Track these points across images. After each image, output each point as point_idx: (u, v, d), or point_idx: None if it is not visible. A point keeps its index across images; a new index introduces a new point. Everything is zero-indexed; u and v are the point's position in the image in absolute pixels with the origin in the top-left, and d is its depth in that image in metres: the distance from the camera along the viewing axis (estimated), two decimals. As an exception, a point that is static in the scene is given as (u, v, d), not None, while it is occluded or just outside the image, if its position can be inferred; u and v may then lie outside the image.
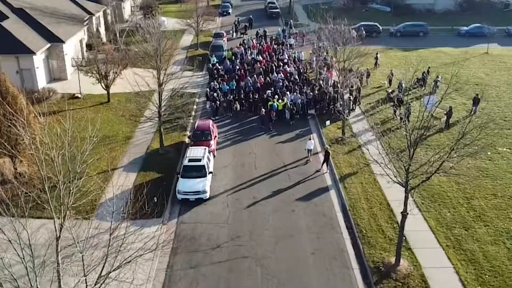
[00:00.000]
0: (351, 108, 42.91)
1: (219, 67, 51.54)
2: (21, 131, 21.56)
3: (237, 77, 48.85)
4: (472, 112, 41.79)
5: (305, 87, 46.62)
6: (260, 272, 24.89)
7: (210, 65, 53.75)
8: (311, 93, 44.36)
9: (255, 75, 49.13)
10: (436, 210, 29.71)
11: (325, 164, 34.59)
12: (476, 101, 42.31)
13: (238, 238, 27.61)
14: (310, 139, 36.23)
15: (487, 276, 24.34)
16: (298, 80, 48.63)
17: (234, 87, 45.08)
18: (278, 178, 33.74)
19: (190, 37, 69.47)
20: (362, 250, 26.48)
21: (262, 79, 47.76)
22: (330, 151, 33.52)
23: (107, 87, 45.87)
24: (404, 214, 24.20)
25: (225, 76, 49.17)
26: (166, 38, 38.93)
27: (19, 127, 21.73)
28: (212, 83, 47.70)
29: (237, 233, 27.97)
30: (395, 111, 41.57)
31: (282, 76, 48.20)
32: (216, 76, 48.87)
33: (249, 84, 46.30)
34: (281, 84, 45.92)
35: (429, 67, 49.87)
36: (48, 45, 48.73)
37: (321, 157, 35.47)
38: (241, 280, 24.49)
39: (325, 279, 24.32)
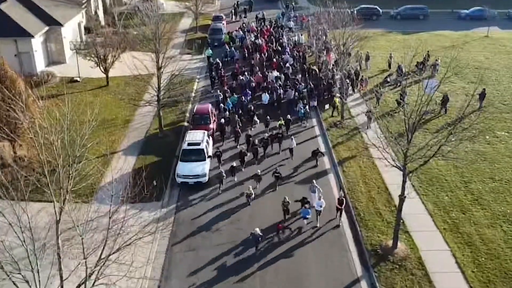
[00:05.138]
0: (349, 91, 42.81)
1: (218, 62, 48.66)
2: (20, 115, 21.60)
3: (234, 71, 46.79)
4: (480, 107, 40.50)
5: (302, 77, 46.30)
6: (259, 255, 25.11)
7: (207, 57, 51.42)
8: (312, 84, 43.60)
9: (251, 75, 46.14)
10: (434, 193, 29.88)
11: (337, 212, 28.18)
12: (482, 96, 40.64)
13: (237, 221, 27.80)
14: (320, 199, 27.55)
15: (483, 258, 24.59)
16: (295, 68, 48.24)
17: (236, 102, 40.90)
18: (278, 163, 33.85)
19: (189, 20, 69.00)
20: (360, 233, 26.69)
21: (260, 74, 45.52)
22: (343, 199, 27.62)
23: (105, 71, 45.74)
24: (402, 198, 24.35)
25: (224, 77, 46.20)
26: (164, 21, 38.79)
27: (18, 111, 21.76)
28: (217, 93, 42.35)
29: (237, 216, 28.13)
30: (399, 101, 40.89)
31: (278, 74, 45.90)
32: (216, 80, 46.02)
33: (246, 89, 42.99)
34: (276, 85, 43.10)
35: (428, 51, 49.67)
36: (47, 28, 48.45)
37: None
38: (240, 263, 24.73)
39: (323, 262, 24.55)
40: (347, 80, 41.61)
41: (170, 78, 36.68)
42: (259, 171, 30.63)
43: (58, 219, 16.23)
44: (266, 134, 35.32)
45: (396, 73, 46.57)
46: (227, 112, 38.50)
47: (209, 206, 29.22)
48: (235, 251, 25.54)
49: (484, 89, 40.84)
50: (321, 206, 27.09)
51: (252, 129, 37.93)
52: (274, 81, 44.11)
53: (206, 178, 31.34)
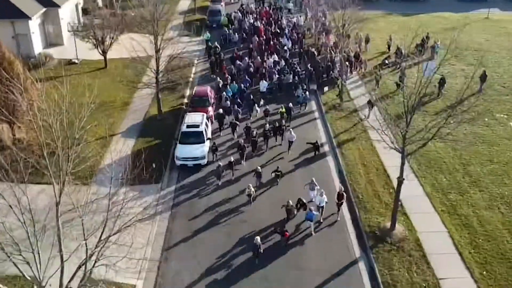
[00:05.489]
0: (348, 74, 42.71)
1: (217, 46, 47.87)
2: (18, 97, 21.51)
3: (233, 56, 46.00)
4: (480, 90, 40.31)
5: (301, 60, 45.93)
6: (257, 237, 25.23)
7: (206, 41, 50.75)
8: (310, 67, 43.29)
9: (250, 59, 45.61)
10: (432, 175, 29.99)
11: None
12: (483, 78, 40.38)
13: (236, 202, 27.91)
14: (321, 195, 26.45)
15: (480, 240, 24.77)
16: (294, 50, 47.84)
17: (236, 90, 39.46)
18: (277, 147, 33.80)
19: (187, 1, 68.45)
20: (358, 215, 26.84)
21: (259, 59, 44.76)
22: (343, 193, 26.82)
23: (104, 53, 45.48)
24: (400, 180, 24.44)
25: (223, 62, 45.44)
26: (163, 3, 38.42)
27: (16, 93, 21.66)
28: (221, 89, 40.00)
29: (236, 199, 28.23)
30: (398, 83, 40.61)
31: (276, 58, 45.36)
32: (216, 65, 45.26)
33: (245, 76, 42.12)
34: (274, 70, 42.60)
35: (428, 33, 49.38)
36: (44, 9, 48.04)
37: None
38: (239, 245, 24.92)
39: (322, 243, 24.73)
40: (346, 62, 41.50)
41: (169, 60, 36.51)
42: (259, 167, 29.25)
43: (58, 201, 16.27)
44: (267, 125, 33.99)
45: (394, 55, 46.39)
46: (228, 102, 37.35)
47: (208, 188, 29.32)
48: (234, 232, 25.70)
49: (485, 71, 40.70)
50: (322, 202, 26.15)
51: (252, 118, 37.11)
52: (272, 66, 43.40)
53: (205, 161, 31.39)
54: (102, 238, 16.22)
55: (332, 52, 44.93)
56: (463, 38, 50.15)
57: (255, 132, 33.09)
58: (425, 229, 25.50)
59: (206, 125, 33.56)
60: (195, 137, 31.92)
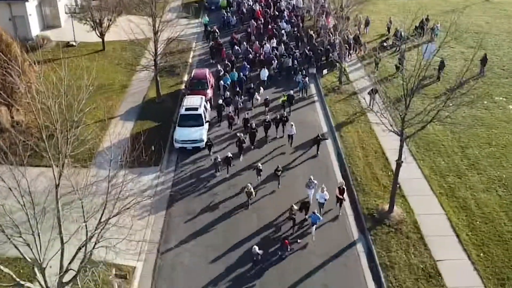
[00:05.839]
0: (347, 56, 42.53)
1: (216, 31, 47.18)
2: (16, 79, 21.44)
3: (232, 41, 45.36)
4: (480, 74, 40.31)
5: (301, 43, 45.74)
6: (256, 220, 25.41)
7: (204, 25, 50.07)
8: (308, 51, 42.82)
9: (248, 43, 44.85)
10: (431, 158, 30.06)
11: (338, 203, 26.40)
12: (484, 61, 40.24)
13: (234, 185, 28.00)
14: (322, 191, 25.38)
15: (478, 222, 24.94)
16: (293, 33, 47.51)
17: (236, 78, 38.30)
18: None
19: (185, -17, 67.71)
20: (356, 197, 26.97)
21: (258, 44, 43.85)
22: (344, 187, 25.83)
23: (101, 35, 45.14)
24: (399, 163, 24.51)
25: (222, 47, 44.49)
26: (161, -16, 38.06)
27: (14, 75, 21.59)
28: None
29: (235, 181, 28.29)
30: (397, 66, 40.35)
31: (275, 43, 44.60)
32: (215, 50, 44.27)
33: (244, 63, 40.75)
34: (272, 55, 41.84)
35: (427, 15, 49.05)
36: (41, -10, 47.64)
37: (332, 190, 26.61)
38: (237, 226, 25.08)
39: (320, 225, 24.83)
40: (345, 45, 41.29)
41: (167, 42, 36.30)
42: (259, 164, 27.98)
43: (57, 183, 16.31)
44: (268, 116, 33.17)
45: (393, 37, 46.15)
46: (228, 92, 36.03)
47: (208, 171, 29.37)
48: (233, 214, 25.85)
49: (486, 54, 40.53)
50: (324, 199, 25.21)
51: (252, 108, 36.19)
52: (271, 51, 42.57)
53: (204, 144, 31.40)
54: (102, 220, 16.29)
55: (331, 34, 44.65)
56: (463, 21, 49.79)
57: (254, 124, 31.76)
58: (423, 211, 25.65)
59: (205, 107, 33.51)
60: (194, 120, 31.89)
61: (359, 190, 27.47)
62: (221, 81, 37.81)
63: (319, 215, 24.19)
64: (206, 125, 32.31)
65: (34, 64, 23.02)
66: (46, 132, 16.88)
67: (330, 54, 42.56)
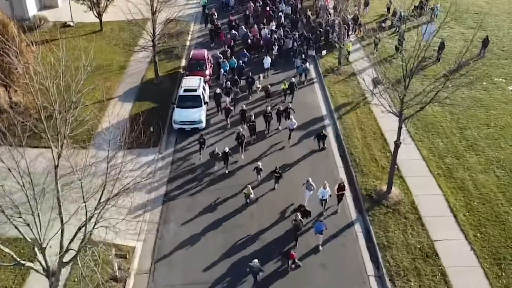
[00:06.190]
0: (346, 37, 42.27)
1: (214, 13, 46.77)
2: (14, 60, 21.32)
3: (231, 24, 44.44)
4: (481, 55, 40.14)
5: (300, 25, 45.30)
6: (255, 206, 25.44)
7: (202, 6, 49.36)
8: (307, 32, 42.43)
9: (247, 26, 44.32)
10: (429, 139, 30.11)
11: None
12: (485, 43, 40.00)
13: (234, 163, 28.03)
14: (324, 187, 24.27)
15: (475, 203, 25.09)
16: (292, 15, 47.00)
17: (235, 65, 37.15)
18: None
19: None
20: (355, 178, 27.07)
21: (256, 28, 43.12)
22: (345, 184, 25.08)
23: (99, 15, 44.76)
24: (397, 144, 24.55)
25: (221, 30, 43.73)
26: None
27: (12, 56, 21.45)
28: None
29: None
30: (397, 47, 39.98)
31: (274, 27, 43.92)
32: (214, 34, 43.57)
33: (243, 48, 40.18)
34: (272, 40, 41.07)
35: (428, -5, 48.69)
36: (37, -30, 47.09)
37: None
38: (236, 205, 25.25)
39: (318, 206, 24.95)
40: (344, 25, 41.03)
41: (165, 23, 36.02)
42: (259, 163, 26.60)
43: (56, 164, 16.34)
44: (269, 108, 31.57)
45: (392, 18, 45.85)
46: (228, 82, 34.59)
47: (206, 152, 29.42)
48: (231, 195, 25.97)
49: (487, 36, 40.28)
50: (326, 195, 24.26)
51: (250, 97, 34.96)
52: (269, 36, 41.82)
53: (203, 125, 31.39)
54: (101, 200, 16.36)
55: (330, 15, 44.32)
56: (463, 1, 49.41)
57: (253, 116, 30.33)
58: (421, 192, 25.78)
59: (204, 88, 33.41)
60: (193, 101, 31.82)
61: (357, 171, 27.56)
62: (221, 70, 36.96)
63: (324, 223, 22.58)
64: (204, 106, 32.25)
65: (32, 44, 22.84)
66: (44, 113, 16.87)
67: (330, 35, 42.34)
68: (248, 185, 25.21)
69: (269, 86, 34.73)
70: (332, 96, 35.23)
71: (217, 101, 33.24)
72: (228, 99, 33.59)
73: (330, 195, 24.35)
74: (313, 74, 38.64)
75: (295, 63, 38.47)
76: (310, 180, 24.69)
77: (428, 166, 27.77)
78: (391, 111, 24.09)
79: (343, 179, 25.63)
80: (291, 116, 30.29)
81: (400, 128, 24.36)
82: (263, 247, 22.75)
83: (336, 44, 39.54)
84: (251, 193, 25.07)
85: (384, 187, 25.71)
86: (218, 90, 33.49)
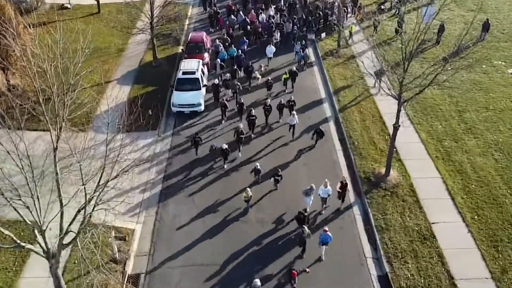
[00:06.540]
0: (345, 20, 42.01)
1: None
2: (11, 42, 21.18)
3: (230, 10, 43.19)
4: (481, 39, 39.79)
5: (296, 7, 44.91)
6: (253, 181, 25.66)
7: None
8: (309, 16, 41.88)
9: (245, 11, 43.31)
10: (428, 122, 30.12)
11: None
12: (486, 26, 39.62)
13: (232, 146, 28.05)
14: (326, 186, 23.52)
15: (473, 185, 25.19)
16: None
17: (234, 54, 35.89)
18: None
19: None
20: (353, 161, 27.12)
21: (254, 13, 42.17)
22: (347, 182, 24.22)
23: (96, -3, 44.47)
24: (396, 127, 24.56)
25: (220, 15, 42.92)
26: None
27: (9, 38, 21.31)
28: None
29: (233, 144, 28.32)
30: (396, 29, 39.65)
31: (273, 12, 43.24)
32: (213, 18, 42.74)
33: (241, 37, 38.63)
34: (270, 25, 40.28)
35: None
36: (33, -49, 46.45)
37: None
38: (234, 186, 25.36)
39: (316, 188, 25.01)
40: (344, 8, 40.75)
41: (163, 5, 35.73)
42: (258, 164, 25.38)
43: (55, 146, 16.34)
44: (269, 100, 30.23)
45: (391, 0, 45.53)
46: (228, 74, 33.22)
47: (205, 134, 29.41)
48: (231, 176, 26.08)
49: (488, 19, 40.01)
50: (326, 194, 23.50)
51: (249, 88, 33.64)
52: (267, 21, 41.01)
53: (202, 107, 31.33)
54: (101, 183, 16.40)
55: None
56: (464, -17, 49.04)
57: (253, 111, 28.98)
58: (419, 175, 25.87)
59: (202, 71, 33.28)
60: (191, 84, 31.72)
61: (356, 154, 27.60)
62: (218, 59, 35.27)
63: (330, 234, 21.06)
64: (203, 89, 32.14)
65: (29, 26, 22.68)
66: (43, 95, 16.81)
67: (329, 17, 42.06)
68: (247, 188, 23.97)
69: (270, 79, 33.02)
70: (331, 79, 35.11)
71: (215, 93, 32.12)
72: (228, 92, 32.55)
73: (330, 194, 23.52)
74: (312, 57, 38.45)
75: (294, 48, 37.90)
76: (313, 186, 23.34)
77: (427, 149, 27.82)
78: (390, 94, 24.05)
79: (345, 177, 24.85)
80: (293, 112, 28.87)
81: (399, 111, 24.35)
82: (262, 231, 22.91)
83: (336, 27, 39.29)
84: (250, 197, 23.79)
85: (383, 170, 25.78)
86: (216, 81, 32.46)
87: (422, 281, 20.33)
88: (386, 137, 28.49)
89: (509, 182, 25.29)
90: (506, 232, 22.48)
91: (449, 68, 23.50)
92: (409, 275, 20.57)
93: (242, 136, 27.46)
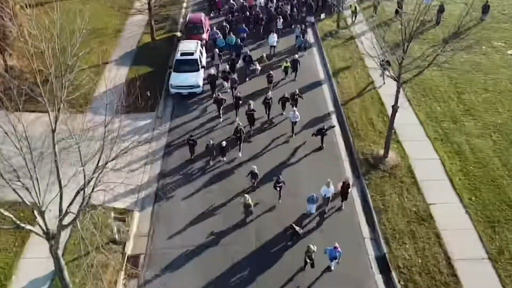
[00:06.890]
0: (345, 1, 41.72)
1: None
2: (8, 22, 21.01)
3: None
4: (481, 20, 39.31)
5: None
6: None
7: None
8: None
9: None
10: (427, 104, 30.08)
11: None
12: (485, 8, 39.24)
13: (230, 125, 28.00)
14: (328, 185, 22.55)
15: (471, 167, 25.26)
16: None
17: (233, 43, 34.61)
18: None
19: None
20: (352, 142, 27.14)
21: None
22: (349, 182, 23.13)
23: (93, -23, 43.90)
24: (395, 108, 24.53)
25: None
26: None
27: (6, 19, 21.13)
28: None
29: (231, 127, 28.30)
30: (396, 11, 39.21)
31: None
32: (212, 2, 41.49)
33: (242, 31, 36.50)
34: (269, 9, 39.40)
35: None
36: None
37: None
38: (233, 174, 25.38)
39: (315, 170, 25.12)
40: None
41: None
42: (255, 167, 23.99)
43: (54, 127, 16.30)
44: (270, 93, 29.05)
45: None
46: (227, 66, 31.87)
47: (204, 117, 29.38)
48: (231, 157, 26.10)
49: (487, 1, 39.67)
50: (329, 193, 22.62)
51: (247, 80, 32.44)
52: (264, 5, 40.41)
53: (200, 89, 31.23)
54: (99, 164, 16.40)
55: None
56: (465, -38, 48.56)
57: (252, 105, 27.84)
58: (418, 156, 25.92)
59: (201, 52, 33.10)
60: (190, 65, 31.58)
61: (354, 135, 27.62)
62: (216, 49, 33.98)
63: (340, 251, 19.77)
64: (202, 71, 32.00)
65: (26, 7, 22.45)
66: (40, 77, 16.72)
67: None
68: (246, 195, 22.79)
69: (271, 73, 31.40)
70: (330, 60, 34.95)
71: (212, 84, 30.70)
72: (227, 85, 31.09)
73: (332, 194, 22.72)
74: (311, 38, 38.21)
75: (295, 32, 37.18)
76: (315, 196, 22.44)
77: (425, 131, 27.83)
78: (389, 75, 23.97)
79: (348, 177, 24.02)
80: (295, 108, 27.56)
81: (398, 92, 24.29)
82: (262, 211, 23.03)
83: (335, 8, 38.99)
84: (250, 204, 22.57)
85: (381, 151, 25.82)
86: (212, 71, 31.08)
87: (420, 261, 20.51)
88: (385, 119, 28.47)
89: (507, 164, 25.38)
90: (503, 213, 22.62)
91: (449, 49, 23.39)
92: (407, 256, 20.74)
93: (241, 134, 26.07)
